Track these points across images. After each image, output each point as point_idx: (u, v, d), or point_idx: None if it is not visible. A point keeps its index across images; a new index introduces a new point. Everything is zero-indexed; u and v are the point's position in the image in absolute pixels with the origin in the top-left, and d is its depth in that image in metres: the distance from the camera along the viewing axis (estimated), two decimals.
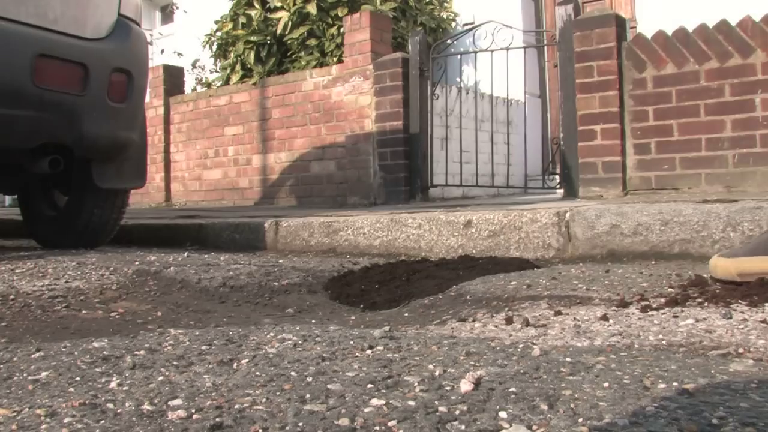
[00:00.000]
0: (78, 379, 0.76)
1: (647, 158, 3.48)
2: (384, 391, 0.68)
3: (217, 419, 0.60)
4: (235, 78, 6.84)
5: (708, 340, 0.90)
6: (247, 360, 0.83)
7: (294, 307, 1.55)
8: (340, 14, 5.94)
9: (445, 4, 6.89)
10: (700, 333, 0.93)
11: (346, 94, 5.68)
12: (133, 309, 1.51)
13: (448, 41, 5.81)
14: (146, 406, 0.65)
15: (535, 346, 0.87)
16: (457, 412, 0.61)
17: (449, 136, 4.90)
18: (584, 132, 3.68)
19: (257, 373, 0.77)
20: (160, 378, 0.76)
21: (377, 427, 0.58)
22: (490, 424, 0.58)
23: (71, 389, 0.72)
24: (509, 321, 1.09)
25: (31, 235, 3.23)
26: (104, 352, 0.90)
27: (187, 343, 0.96)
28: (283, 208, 5.75)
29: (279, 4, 6.28)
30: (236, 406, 0.64)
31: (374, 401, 0.65)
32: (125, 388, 0.72)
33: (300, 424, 0.59)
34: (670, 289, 1.26)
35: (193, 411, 0.63)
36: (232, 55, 6.84)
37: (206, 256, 2.46)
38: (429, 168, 4.82)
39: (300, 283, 1.77)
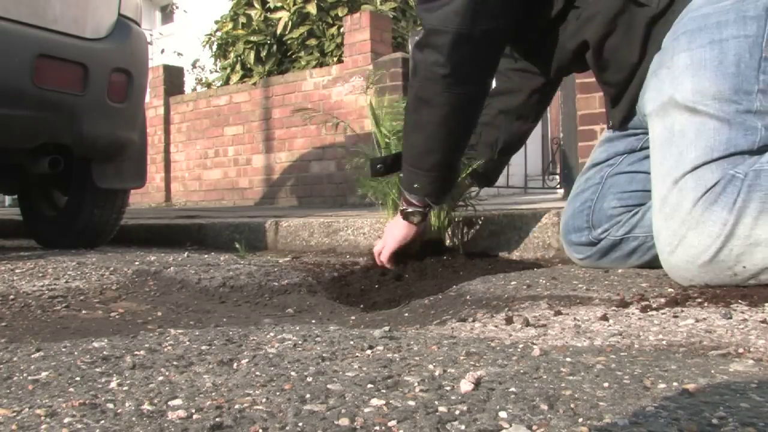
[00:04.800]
0: (78, 379, 0.76)
1: None
2: (384, 391, 0.68)
3: (217, 419, 0.60)
4: (235, 78, 6.84)
5: (708, 340, 0.90)
6: (247, 360, 0.84)
7: (294, 307, 1.55)
8: (340, 14, 5.94)
9: None
10: (700, 333, 0.93)
11: (346, 94, 5.68)
12: (133, 309, 1.51)
13: None
14: (146, 406, 0.65)
15: (535, 346, 0.87)
16: (457, 412, 0.61)
17: None
18: (584, 132, 3.67)
19: (257, 373, 0.77)
20: (160, 378, 0.76)
21: (377, 427, 0.58)
22: (490, 424, 0.58)
23: (71, 389, 0.72)
24: (509, 321, 1.09)
25: (31, 235, 3.23)
26: (104, 352, 0.90)
27: (187, 343, 0.96)
28: (283, 208, 5.75)
29: (279, 4, 6.28)
30: (236, 406, 0.64)
31: (374, 401, 0.65)
32: (125, 388, 0.72)
33: (300, 424, 0.59)
34: (670, 289, 1.26)
35: (193, 411, 0.63)
36: (232, 55, 6.84)
37: (206, 256, 2.46)
38: None
39: (300, 283, 1.77)
